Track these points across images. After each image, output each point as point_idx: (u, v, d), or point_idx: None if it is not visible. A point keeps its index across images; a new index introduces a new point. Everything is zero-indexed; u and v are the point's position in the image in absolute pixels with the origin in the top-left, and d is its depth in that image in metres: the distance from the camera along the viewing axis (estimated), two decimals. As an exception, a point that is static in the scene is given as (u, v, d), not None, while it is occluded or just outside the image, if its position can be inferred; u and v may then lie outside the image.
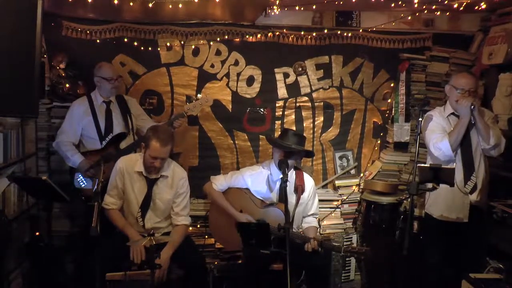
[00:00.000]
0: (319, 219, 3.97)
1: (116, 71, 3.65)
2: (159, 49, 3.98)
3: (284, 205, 3.08)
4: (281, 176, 3.11)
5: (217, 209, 3.39)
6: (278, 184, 3.29)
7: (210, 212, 3.54)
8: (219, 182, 3.39)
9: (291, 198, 3.24)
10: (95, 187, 3.13)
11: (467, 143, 3.04)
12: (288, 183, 3.12)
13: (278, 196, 3.29)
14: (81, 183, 3.41)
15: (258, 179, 3.35)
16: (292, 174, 3.33)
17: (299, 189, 3.30)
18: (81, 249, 3.36)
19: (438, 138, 3.03)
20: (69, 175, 3.50)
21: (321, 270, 3.21)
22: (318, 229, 3.32)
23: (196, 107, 3.63)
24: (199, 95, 3.73)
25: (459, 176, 3.02)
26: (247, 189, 3.36)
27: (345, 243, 3.83)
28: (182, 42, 3.99)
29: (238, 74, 4.09)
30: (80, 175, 3.42)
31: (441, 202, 3.11)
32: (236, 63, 4.07)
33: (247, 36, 3.99)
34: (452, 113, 3.13)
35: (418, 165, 2.72)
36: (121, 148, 3.47)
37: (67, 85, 3.82)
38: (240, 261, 3.37)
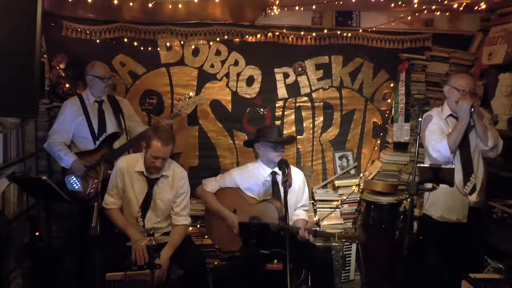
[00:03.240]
0: (318, 219, 3.98)
1: (109, 69, 3.59)
2: (159, 49, 3.98)
3: (278, 201, 3.21)
4: (271, 171, 3.30)
5: (211, 211, 3.41)
6: (268, 179, 3.34)
7: (205, 215, 3.56)
8: (210, 184, 3.44)
9: (281, 191, 3.27)
10: (90, 188, 3.13)
11: (465, 144, 3.03)
12: (277, 176, 3.25)
13: (270, 191, 3.32)
14: (75, 185, 3.33)
15: (247, 176, 3.39)
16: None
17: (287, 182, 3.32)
18: (81, 249, 3.35)
19: (437, 139, 3.02)
20: (62, 175, 3.43)
21: (324, 268, 3.20)
22: (308, 223, 3.35)
23: (190, 105, 3.65)
24: (191, 93, 3.76)
25: (458, 177, 3.02)
26: (239, 188, 3.39)
27: (344, 243, 3.82)
28: (182, 42, 4.00)
29: (238, 74, 4.09)
30: (73, 177, 3.34)
31: (441, 204, 3.10)
32: (236, 63, 4.07)
33: (247, 36, 3.99)
34: (450, 115, 3.12)
35: (418, 165, 2.72)
36: (115, 148, 3.43)
37: (67, 85, 3.82)
38: (237, 262, 3.37)
